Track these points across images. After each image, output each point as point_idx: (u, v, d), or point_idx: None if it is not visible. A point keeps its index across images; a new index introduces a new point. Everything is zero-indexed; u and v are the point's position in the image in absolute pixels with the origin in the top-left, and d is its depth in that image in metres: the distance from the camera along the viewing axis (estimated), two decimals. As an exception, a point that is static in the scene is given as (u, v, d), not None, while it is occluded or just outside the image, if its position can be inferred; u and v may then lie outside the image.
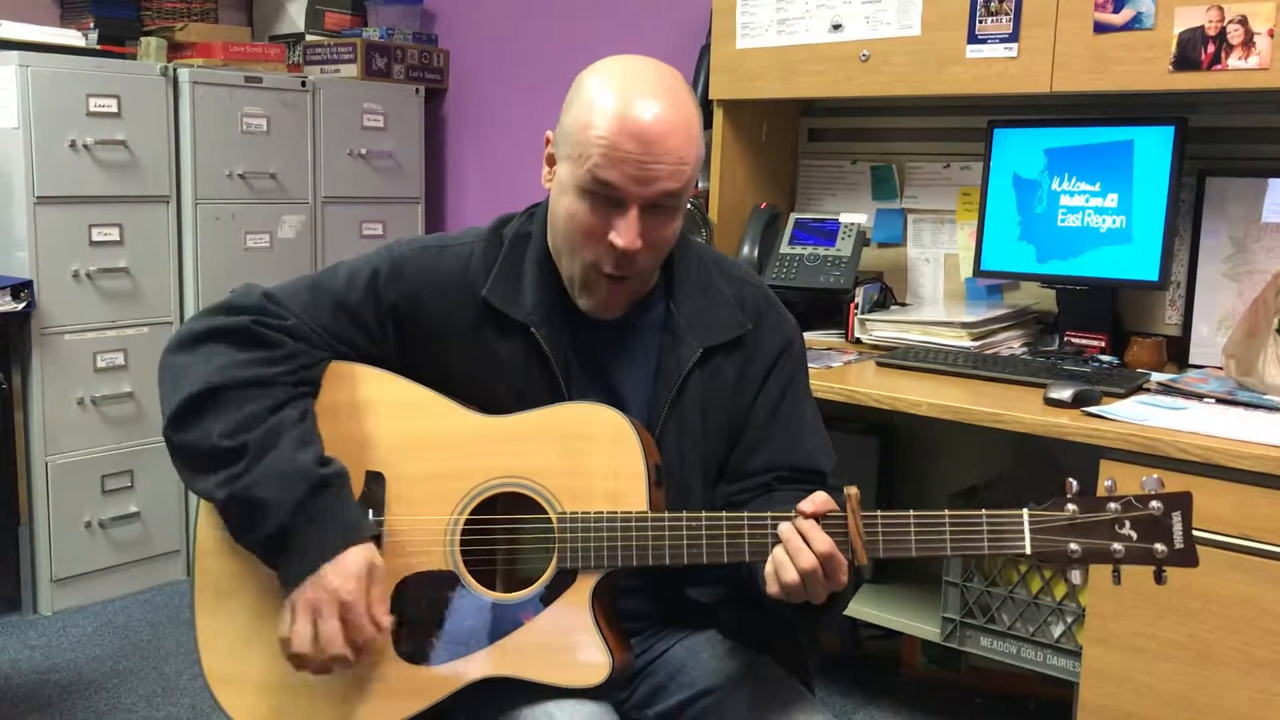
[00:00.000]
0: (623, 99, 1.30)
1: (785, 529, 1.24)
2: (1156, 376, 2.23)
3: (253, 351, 1.35)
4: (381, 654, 1.34)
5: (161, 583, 3.28)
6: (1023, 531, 1.23)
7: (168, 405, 1.34)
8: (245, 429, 1.30)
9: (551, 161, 1.40)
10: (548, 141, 1.42)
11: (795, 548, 1.22)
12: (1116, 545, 1.22)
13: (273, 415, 1.31)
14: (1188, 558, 1.21)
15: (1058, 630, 2.22)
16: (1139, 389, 2.15)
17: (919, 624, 2.43)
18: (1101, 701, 1.96)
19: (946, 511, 1.24)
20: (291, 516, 1.27)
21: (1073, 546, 1.22)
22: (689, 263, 1.47)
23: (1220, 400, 2.04)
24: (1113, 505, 1.22)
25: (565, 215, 1.35)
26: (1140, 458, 1.85)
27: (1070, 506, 1.23)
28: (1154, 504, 1.21)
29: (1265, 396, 2.02)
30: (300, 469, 1.29)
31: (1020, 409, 2.01)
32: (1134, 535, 1.21)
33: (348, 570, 1.27)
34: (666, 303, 1.45)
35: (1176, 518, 1.21)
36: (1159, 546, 1.21)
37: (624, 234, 1.31)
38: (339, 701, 1.35)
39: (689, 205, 2.75)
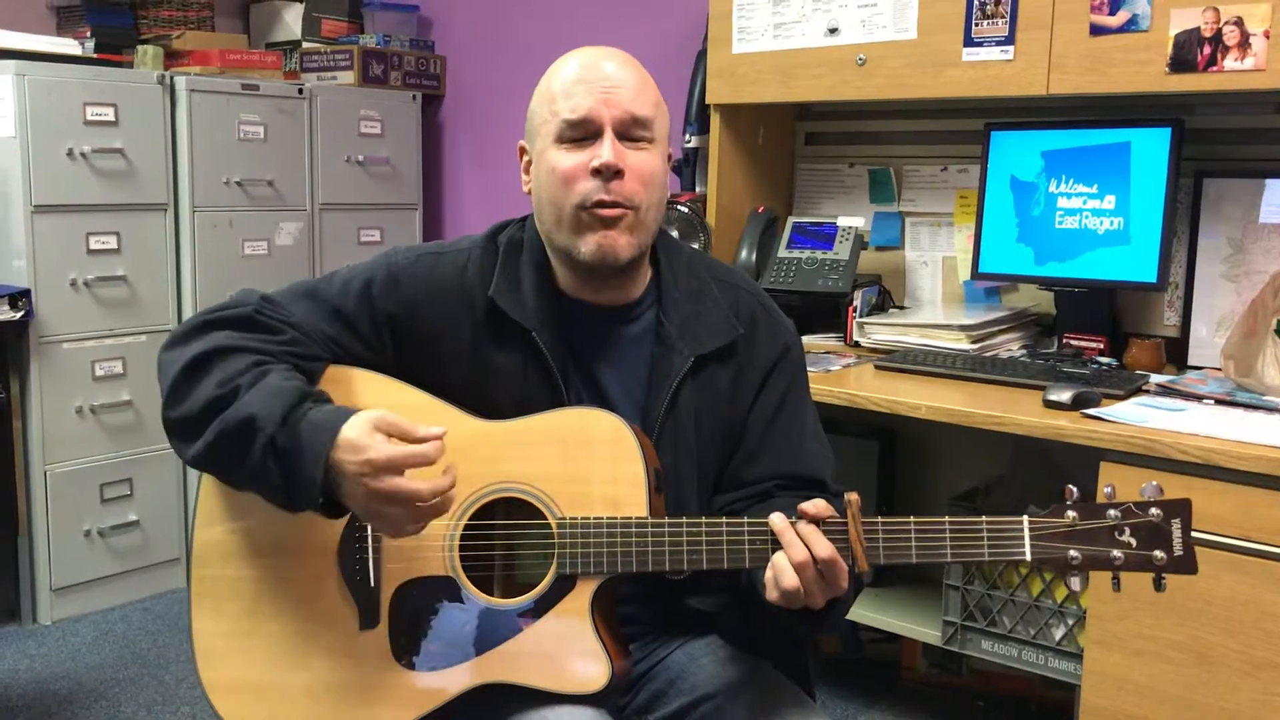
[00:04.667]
0: (577, 59, 1.40)
1: (787, 536, 1.22)
2: (1155, 378, 2.23)
3: (252, 334, 1.35)
4: (381, 661, 1.34)
5: (161, 591, 3.28)
6: (1023, 538, 1.23)
7: (164, 388, 1.33)
8: (235, 377, 1.28)
9: (529, 168, 1.43)
10: (522, 151, 1.45)
11: (796, 555, 1.21)
12: (1116, 552, 1.22)
13: (263, 366, 1.30)
14: (1187, 565, 1.21)
15: (1059, 633, 2.21)
16: (1138, 390, 2.14)
17: (920, 627, 2.43)
18: (1103, 703, 1.96)
19: (947, 518, 1.24)
20: (279, 426, 1.23)
21: (1072, 553, 1.22)
22: (679, 270, 1.47)
23: (1219, 401, 2.04)
24: (1112, 512, 1.22)
25: (548, 174, 1.37)
26: (1140, 459, 1.85)
27: (1070, 513, 1.23)
28: (1153, 511, 1.21)
29: (1264, 397, 2.02)
30: (285, 387, 1.27)
31: (1020, 411, 2.01)
32: (1133, 542, 1.21)
33: (355, 440, 1.21)
34: (657, 311, 1.45)
35: (1176, 525, 1.21)
36: (1158, 553, 1.21)
37: (604, 152, 1.34)
38: (338, 707, 1.35)
39: (686, 210, 2.78)
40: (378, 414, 1.23)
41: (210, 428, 1.27)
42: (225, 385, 1.28)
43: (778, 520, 1.24)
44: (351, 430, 1.22)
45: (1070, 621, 2.19)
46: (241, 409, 1.25)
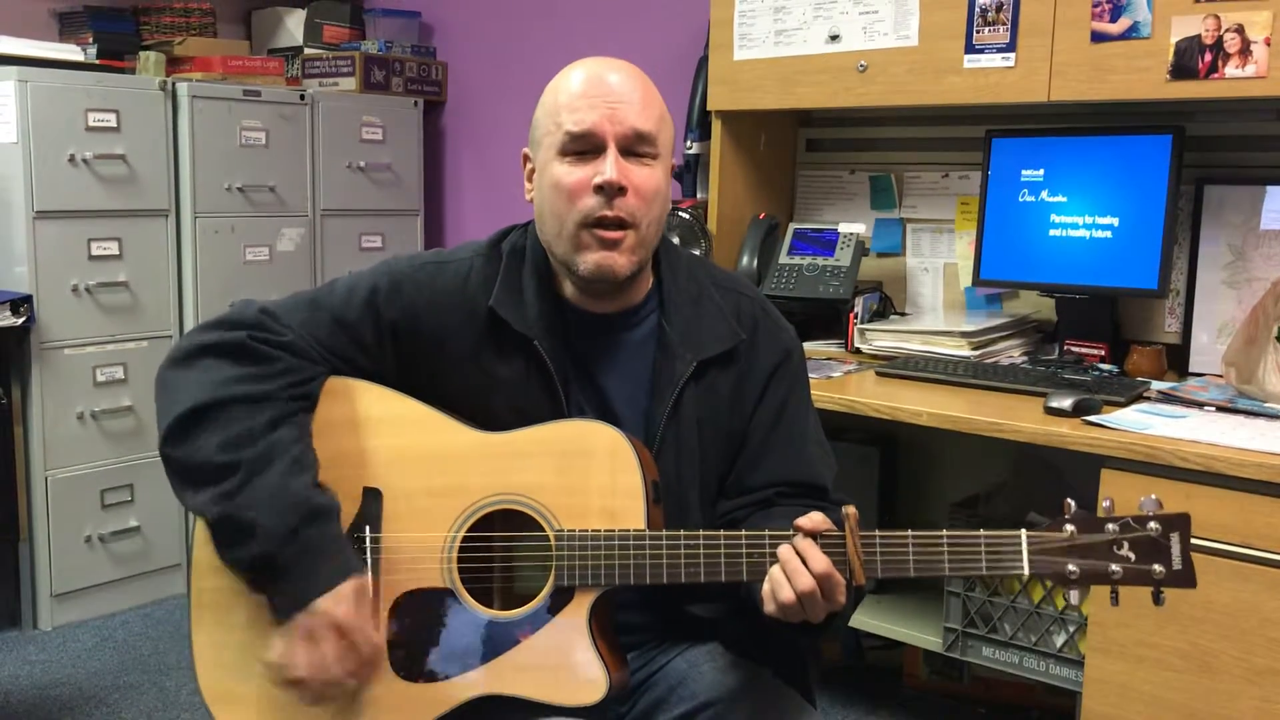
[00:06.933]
0: (583, 70, 1.39)
1: (784, 551, 1.23)
2: (1156, 385, 2.23)
3: (248, 367, 1.35)
4: (378, 671, 1.34)
5: (162, 597, 3.28)
6: (1020, 552, 1.22)
7: (163, 420, 1.34)
8: (240, 445, 1.29)
9: (532, 175, 1.43)
10: (525, 159, 1.45)
11: (793, 569, 1.21)
12: (1114, 566, 1.21)
13: (269, 433, 1.31)
14: (1186, 579, 1.21)
15: (1060, 640, 2.21)
16: (1139, 397, 2.14)
17: (921, 634, 2.43)
18: (1104, 711, 1.96)
19: (945, 531, 1.24)
20: (281, 545, 1.27)
21: (1071, 568, 1.22)
22: (679, 275, 1.47)
23: (1221, 408, 2.04)
24: (1111, 526, 1.22)
25: (550, 186, 1.37)
26: (1141, 466, 1.85)
27: (1069, 527, 1.22)
28: (1152, 525, 1.21)
29: (1265, 404, 2.02)
30: (292, 496, 1.28)
31: (1021, 418, 2.01)
32: (1132, 556, 1.21)
33: (341, 595, 1.27)
34: (659, 317, 1.45)
35: (1175, 539, 1.21)
36: (1157, 567, 1.21)
37: (607, 169, 1.33)
38: (336, 718, 1.34)
39: (687, 216, 2.78)
40: (366, 588, 1.30)
41: (209, 500, 1.29)
42: (228, 452, 1.29)
43: (784, 552, 1.23)
44: (346, 591, 1.28)
45: (1071, 628, 2.19)
46: (246, 508, 1.27)
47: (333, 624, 1.27)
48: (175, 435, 1.32)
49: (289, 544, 1.27)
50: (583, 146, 1.35)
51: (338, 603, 1.27)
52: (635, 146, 1.36)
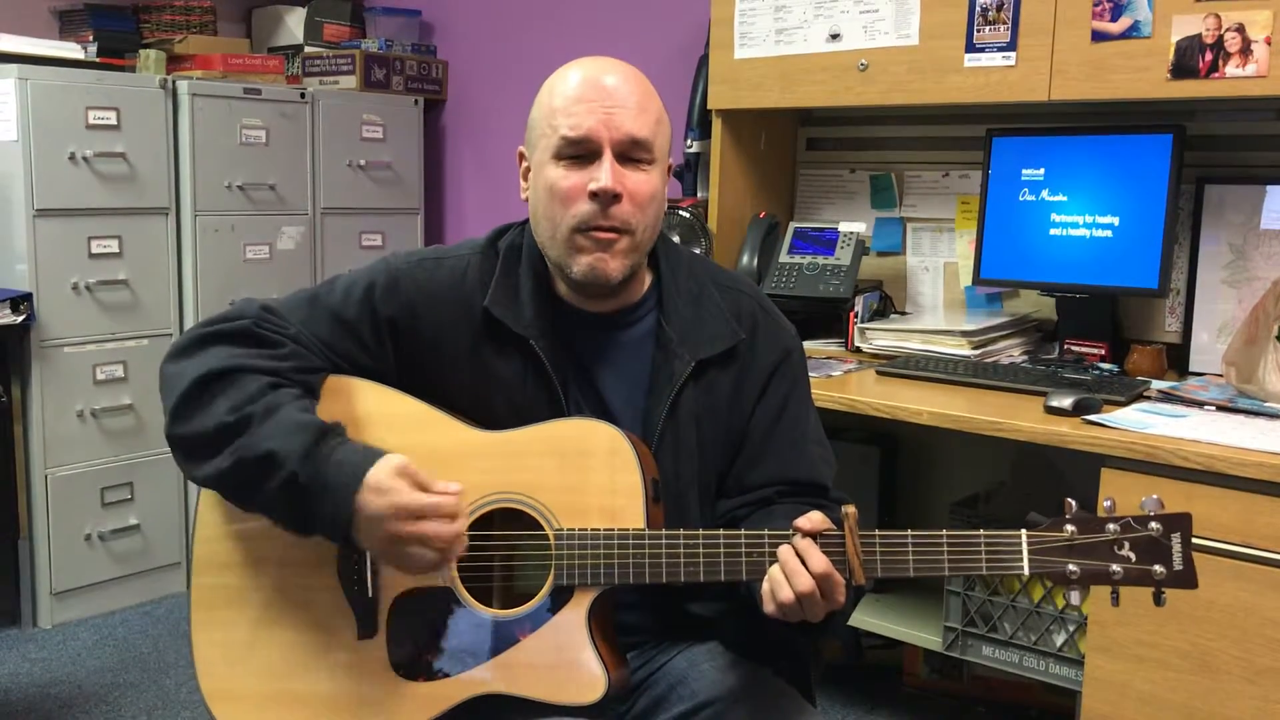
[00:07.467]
0: (579, 72, 1.38)
1: (784, 551, 1.23)
2: (1157, 384, 2.23)
3: (253, 348, 1.35)
4: (379, 671, 1.34)
5: (162, 595, 3.28)
6: (1020, 552, 1.22)
7: (168, 402, 1.34)
8: (249, 403, 1.29)
9: (527, 174, 1.43)
10: (521, 157, 1.45)
11: (792, 569, 1.21)
12: (1115, 566, 1.21)
13: (273, 391, 1.31)
14: (1187, 579, 1.20)
15: (1060, 639, 2.21)
16: (1139, 397, 2.14)
17: (921, 633, 2.43)
18: (1104, 710, 1.96)
19: (945, 531, 1.24)
20: (302, 462, 1.25)
21: (1071, 568, 1.22)
22: (679, 274, 1.47)
23: (1221, 408, 2.04)
24: (1111, 526, 1.21)
25: (545, 190, 1.36)
26: (1141, 466, 1.85)
27: (1069, 527, 1.22)
28: (1153, 525, 1.21)
29: (1266, 404, 2.02)
30: (304, 421, 1.28)
31: (1021, 417, 2.01)
32: (1133, 556, 1.21)
33: (381, 483, 1.24)
34: (658, 316, 1.45)
35: (1176, 539, 1.20)
36: (1158, 568, 1.20)
37: (602, 176, 1.33)
38: (336, 717, 1.35)
39: (688, 215, 2.77)
40: (401, 461, 1.26)
41: (224, 455, 1.28)
42: (236, 412, 1.29)
43: (784, 552, 1.23)
44: (378, 473, 1.24)
45: (1071, 628, 2.19)
46: (259, 442, 1.26)
47: (394, 513, 1.23)
48: (181, 412, 1.32)
49: (307, 462, 1.25)
50: (578, 151, 1.34)
51: (381, 491, 1.24)
52: (631, 152, 1.35)
